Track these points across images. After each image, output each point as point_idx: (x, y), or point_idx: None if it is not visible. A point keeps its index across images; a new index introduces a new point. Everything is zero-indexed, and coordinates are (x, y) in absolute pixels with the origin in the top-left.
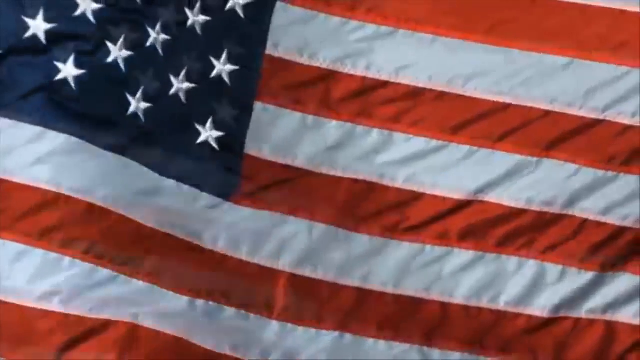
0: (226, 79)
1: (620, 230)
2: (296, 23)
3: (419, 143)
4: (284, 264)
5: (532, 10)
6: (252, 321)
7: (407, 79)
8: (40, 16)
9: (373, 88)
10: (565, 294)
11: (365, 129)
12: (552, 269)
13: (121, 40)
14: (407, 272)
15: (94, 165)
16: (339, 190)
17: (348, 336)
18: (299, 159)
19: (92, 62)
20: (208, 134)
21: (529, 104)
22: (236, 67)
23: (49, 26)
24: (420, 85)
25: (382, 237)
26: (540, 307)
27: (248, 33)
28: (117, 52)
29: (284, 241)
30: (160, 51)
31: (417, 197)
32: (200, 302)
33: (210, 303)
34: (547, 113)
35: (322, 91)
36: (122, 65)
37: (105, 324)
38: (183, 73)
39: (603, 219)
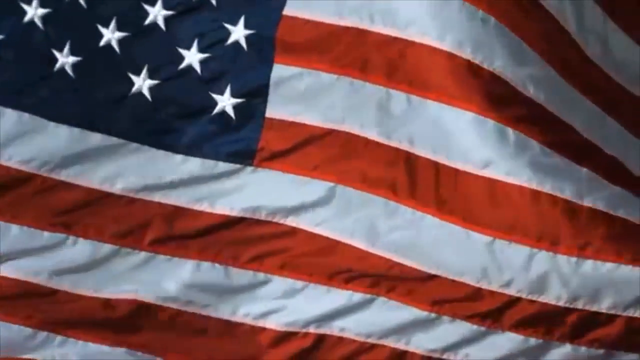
0: (243, 44)
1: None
2: None
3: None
4: (304, 223)
5: None
6: (257, 278)
7: (435, 42)
8: (35, 1)
9: (400, 48)
10: (581, 284)
11: (390, 91)
12: (565, 260)
13: (113, 22)
14: (414, 243)
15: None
16: (361, 150)
17: (358, 295)
18: (321, 119)
19: (87, 47)
20: (225, 103)
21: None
22: (252, 31)
23: (44, 11)
24: (446, 49)
25: (394, 201)
26: (555, 296)
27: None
28: (110, 35)
29: (305, 202)
30: (162, 27)
31: (439, 168)
32: (206, 265)
33: (217, 265)
34: None
35: (347, 48)
36: (116, 47)
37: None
38: (195, 44)
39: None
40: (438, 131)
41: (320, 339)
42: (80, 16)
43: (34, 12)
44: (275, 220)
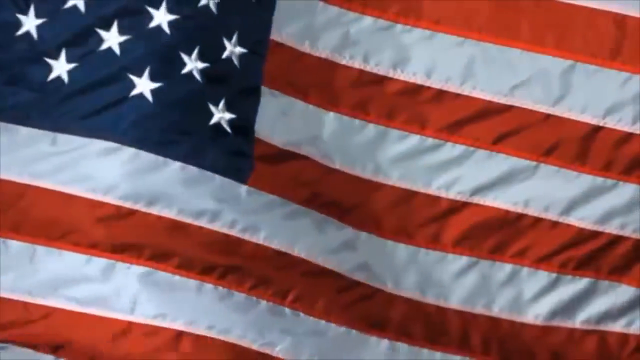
0: (235, 61)
1: (617, 239)
2: (298, 9)
3: (414, 141)
4: (299, 251)
5: (534, 11)
6: (262, 307)
7: (404, 75)
8: (32, 12)
9: (370, 82)
10: (559, 301)
11: (361, 123)
12: (546, 277)
13: (115, 26)
14: (404, 273)
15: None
16: (336, 184)
17: (354, 333)
18: (303, 147)
19: (86, 53)
20: (220, 115)
21: (529, 107)
22: (245, 50)
23: (39, 21)
24: (418, 82)
25: (381, 237)
26: (534, 315)
27: (257, 16)
28: (114, 39)
29: (296, 232)
30: (167, 32)
31: (411, 195)
32: (209, 287)
33: (220, 288)
34: (547, 117)
35: (322, 81)
36: (117, 50)
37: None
38: (196, 52)
39: (600, 228)
40: None
41: None
42: (77, 21)
43: (30, 23)
44: (272, 246)
